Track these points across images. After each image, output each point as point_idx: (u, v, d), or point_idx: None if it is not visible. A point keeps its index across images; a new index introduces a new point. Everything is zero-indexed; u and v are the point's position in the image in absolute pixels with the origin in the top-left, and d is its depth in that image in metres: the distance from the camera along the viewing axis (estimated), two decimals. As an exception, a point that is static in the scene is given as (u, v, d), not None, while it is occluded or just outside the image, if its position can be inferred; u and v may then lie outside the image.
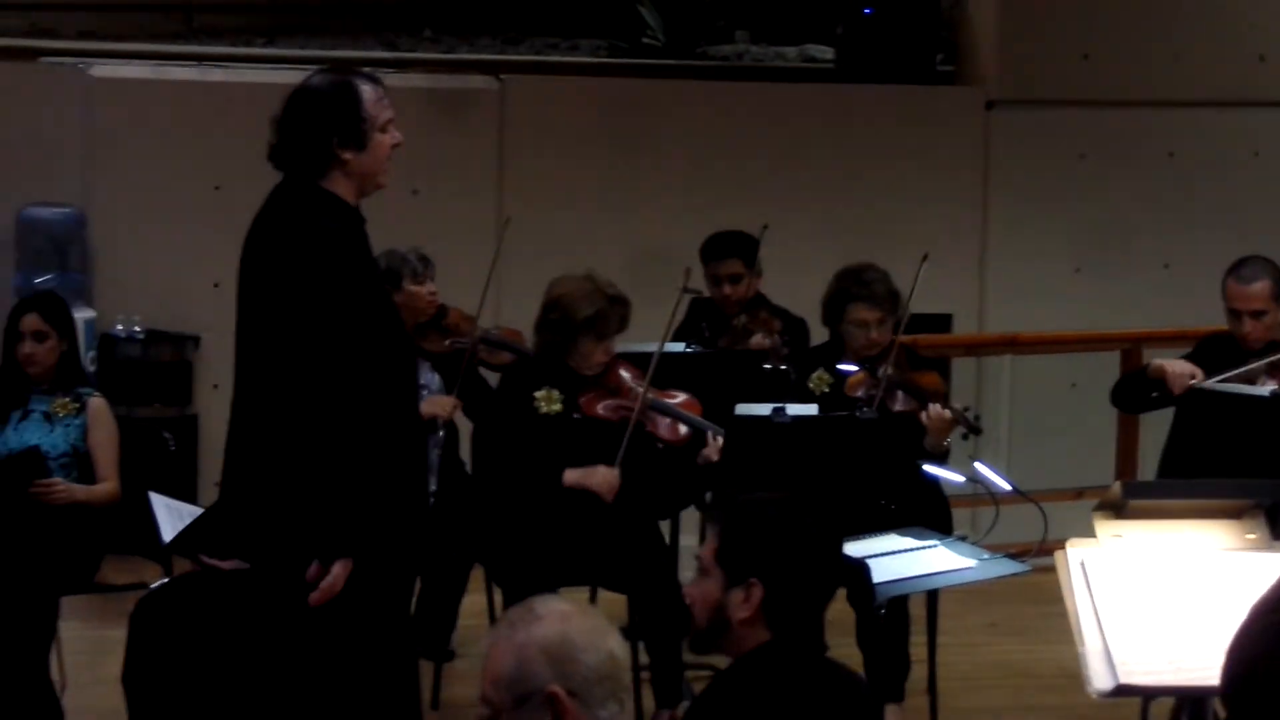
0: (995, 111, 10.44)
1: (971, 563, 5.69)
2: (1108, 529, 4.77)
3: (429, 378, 7.37)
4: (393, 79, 10.31)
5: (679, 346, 7.46)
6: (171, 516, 6.46)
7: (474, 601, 7.68)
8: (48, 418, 6.92)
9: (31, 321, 6.92)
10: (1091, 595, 4.63)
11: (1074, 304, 10.24)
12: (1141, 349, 9.09)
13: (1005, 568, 5.72)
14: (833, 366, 7.26)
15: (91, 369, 7.83)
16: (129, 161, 9.67)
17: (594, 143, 10.05)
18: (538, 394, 6.70)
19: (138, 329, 9.55)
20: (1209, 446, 6.87)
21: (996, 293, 10.40)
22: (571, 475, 6.61)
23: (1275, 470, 6.38)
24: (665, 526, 7.31)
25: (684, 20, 11.77)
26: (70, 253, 9.44)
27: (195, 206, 9.67)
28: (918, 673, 6.98)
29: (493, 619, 7.86)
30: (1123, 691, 4.52)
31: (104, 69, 9.93)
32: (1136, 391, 7.17)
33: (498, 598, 7.40)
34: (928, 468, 6.82)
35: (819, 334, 7.67)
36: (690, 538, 7.81)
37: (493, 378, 7.62)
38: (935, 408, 6.96)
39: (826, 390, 7.22)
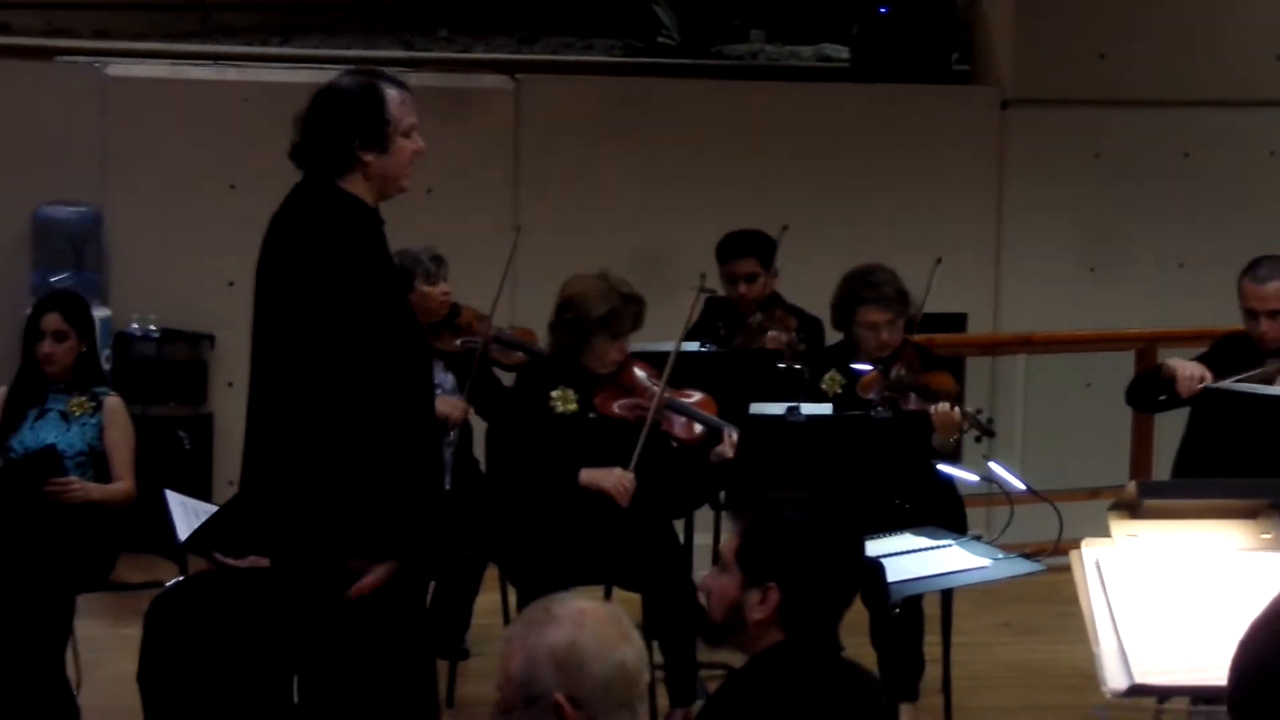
0: (1010, 111, 10.43)
1: (986, 562, 5.69)
2: (1123, 529, 4.76)
3: (442, 377, 7.37)
4: (408, 78, 10.34)
5: (694, 345, 7.45)
6: (187, 515, 6.47)
7: (488, 600, 7.68)
8: (64, 416, 6.93)
9: (52, 321, 6.93)
10: (1106, 595, 4.62)
11: (1089, 303, 10.23)
12: (1156, 349, 9.08)
13: (1020, 567, 5.71)
14: (846, 367, 7.25)
15: (107, 368, 7.84)
16: (145, 160, 9.68)
17: (609, 142, 10.05)
18: (554, 393, 6.70)
19: (153, 328, 9.56)
20: (1224, 446, 6.86)
21: (1011, 292, 10.39)
22: (587, 475, 6.61)
23: (1291, 470, 6.38)
24: (680, 525, 7.31)
25: (699, 20, 11.77)
26: (86, 252, 9.45)
27: (211, 205, 9.69)
28: (932, 672, 6.99)
29: (507, 618, 7.87)
30: (1137, 691, 4.52)
31: (120, 68, 9.94)
32: (1148, 391, 7.16)
33: (512, 596, 7.41)
34: (942, 467, 6.81)
35: (834, 333, 7.66)
36: (704, 536, 7.83)
37: (506, 378, 7.63)
38: (942, 405, 6.95)
39: (839, 391, 7.22)
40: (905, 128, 10.32)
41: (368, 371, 4.92)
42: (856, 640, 5.83)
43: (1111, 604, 4.60)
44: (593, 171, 10.05)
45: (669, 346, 6.89)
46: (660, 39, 11.67)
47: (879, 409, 6.79)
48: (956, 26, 10.82)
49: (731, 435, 6.70)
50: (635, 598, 6.78)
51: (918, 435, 6.89)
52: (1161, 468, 8.47)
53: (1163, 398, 7.00)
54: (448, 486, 6.93)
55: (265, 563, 6.26)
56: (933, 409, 6.94)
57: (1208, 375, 6.87)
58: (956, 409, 6.96)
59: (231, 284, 9.68)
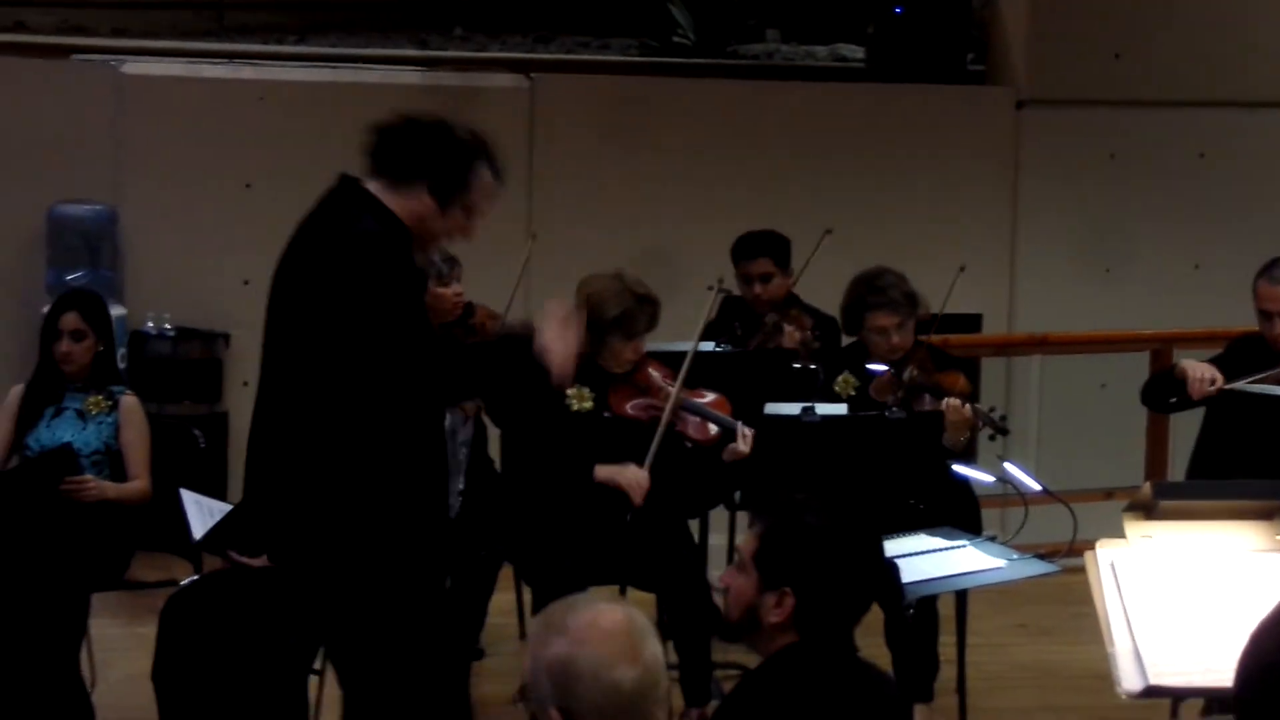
0: (1025, 111, 10.42)
1: (1001, 563, 5.68)
2: (1138, 530, 4.76)
3: None
4: (423, 76, 10.38)
5: (710, 345, 7.45)
6: (202, 514, 6.48)
7: (503, 599, 7.69)
8: (80, 415, 6.94)
9: (71, 320, 6.94)
10: (1121, 596, 4.62)
11: (1103, 304, 10.22)
12: (1171, 349, 9.07)
13: (1035, 568, 5.71)
14: (861, 368, 7.25)
15: (122, 366, 7.85)
16: (160, 159, 9.69)
17: (623, 141, 10.05)
18: (569, 391, 6.70)
19: (168, 326, 9.57)
20: (1239, 447, 6.85)
21: (1026, 293, 10.38)
22: (603, 471, 6.61)
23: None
24: (694, 525, 7.31)
25: (715, 19, 11.77)
26: (101, 250, 9.46)
27: (226, 204, 9.70)
28: (946, 673, 6.98)
29: (521, 617, 7.88)
30: (1152, 693, 4.52)
31: (135, 66, 9.95)
32: (1160, 392, 7.15)
33: (527, 596, 7.42)
34: (957, 468, 6.81)
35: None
36: (719, 537, 7.83)
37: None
38: (953, 401, 6.94)
39: (853, 394, 7.21)
40: (920, 128, 10.31)
41: (380, 376, 4.90)
42: (871, 641, 5.83)
43: (1126, 605, 4.60)
44: (607, 170, 10.05)
45: (685, 346, 6.89)
46: (675, 38, 11.67)
47: (893, 409, 6.79)
48: (972, 26, 10.81)
49: (746, 433, 6.69)
50: (649, 598, 6.78)
51: (932, 435, 6.89)
52: (1176, 469, 8.46)
53: (1174, 399, 6.99)
54: (461, 486, 6.93)
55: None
56: (944, 404, 6.95)
57: (1219, 377, 6.86)
58: (968, 406, 6.96)
59: (247, 282, 9.68)
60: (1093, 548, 4.76)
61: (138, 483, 6.91)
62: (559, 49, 11.90)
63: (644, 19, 11.94)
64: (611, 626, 3.33)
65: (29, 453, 6.90)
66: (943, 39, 10.58)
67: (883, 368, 7.17)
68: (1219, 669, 4.44)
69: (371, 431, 4.92)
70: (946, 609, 6.93)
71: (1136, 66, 10.38)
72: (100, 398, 6.95)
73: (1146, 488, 4.82)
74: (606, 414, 6.74)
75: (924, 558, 5.64)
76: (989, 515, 7.47)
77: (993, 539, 6.18)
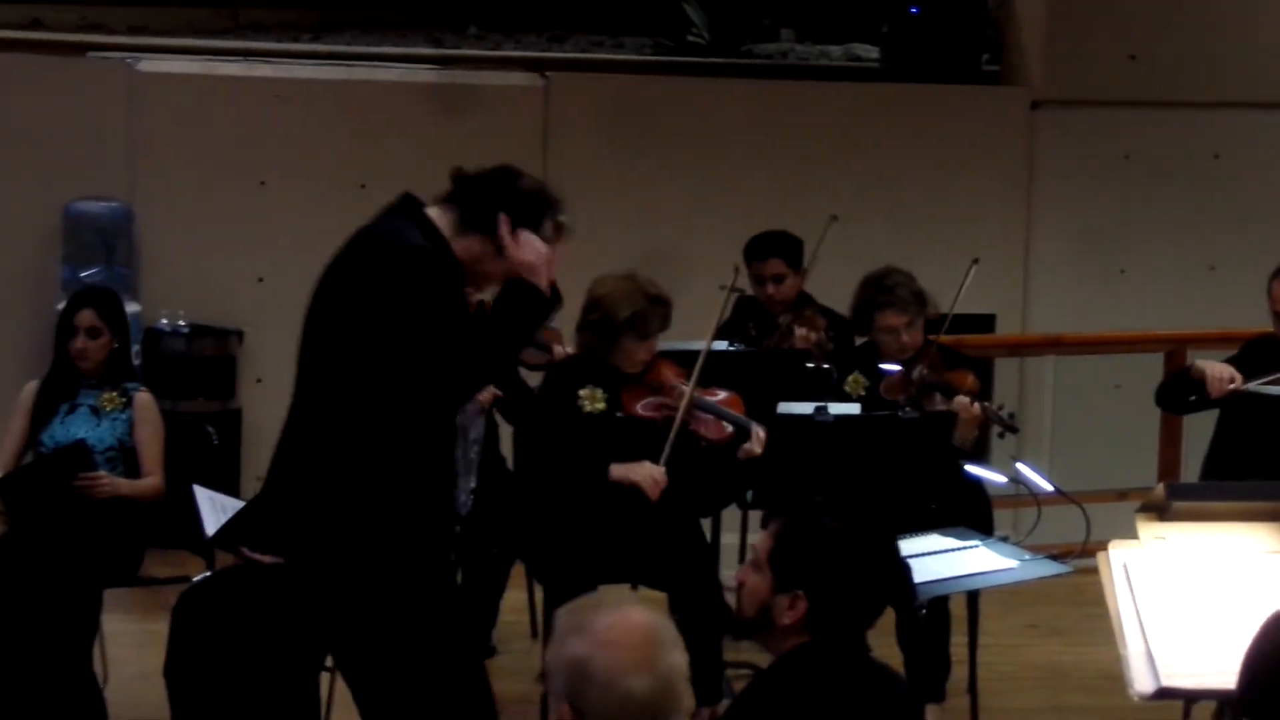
0: (1040, 112, 10.41)
1: (1013, 563, 5.68)
2: (1151, 531, 4.76)
3: None
4: (438, 75, 10.39)
5: (723, 345, 7.45)
6: (215, 510, 6.49)
7: (515, 597, 7.69)
8: (95, 412, 6.95)
9: (86, 317, 6.95)
10: (1134, 597, 4.62)
11: (1118, 305, 10.21)
12: (1186, 350, 9.06)
13: (1047, 569, 5.71)
14: (873, 367, 7.25)
15: (136, 363, 7.86)
16: (175, 156, 9.70)
17: (638, 140, 10.05)
18: (582, 392, 6.70)
19: (182, 323, 9.58)
20: (1253, 448, 6.84)
21: (1040, 293, 10.37)
22: (618, 469, 6.61)
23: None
24: (707, 524, 7.31)
25: (729, 18, 11.77)
26: (116, 247, 9.47)
27: (240, 202, 9.71)
28: (958, 673, 6.98)
29: (533, 615, 7.88)
30: (1165, 694, 4.51)
31: (151, 64, 9.96)
32: (1177, 392, 7.14)
33: (538, 594, 7.42)
34: (970, 468, 6.81)
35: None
36: (731, 536, 7.83)
37: (533, 378, 7.63)
38: (962, 399, 6.95)
39: (863, 394, 7.22)
40: (934, 128, 10.30)
41: (406, 386, 4.95)
42: (883, 640, 5.82)
43: (1139, 606, 4.60)
44: (621, 169, 10.05)
45: (697, 346, 6.89)
46: (690, 38, 11.67)
47: (906, 409, 6.79)
48: (987, 27, 10.80)
49: (759, 433, 6.69)
50: (661, 596, 6.78)
51: (945, 435, 6.89)
52: (1190, 470, 8.45)
53: (1193, 398, 6.98)
54: (473, 484, 6.94)
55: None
56: (953, 402, 6.95)
57: (1238, 376, 6.86)
58: (977, 404, 6.96)
59: (261, 280, 9.71)
60: (1105, 549, 4.76)
61: (151, 479, 6.92)
62: (574, 48, 11.90)
63: (659, 18, 11.93)
64: (633, 634, 3.32)
65: (43, 449, 6.91)
66: (958, 39, 10.57)
67: (895, 368, 7.17)
68: (1232, 671, 4.43)
69: (390, 437, 4.97)
70: (958, 609, 6.93)
71: (1151, 67, 10.36)
72: (114, 394, 6.96)
73: (1160, 489, 4.82)
74: (619, 414, 6.73)
75: (936, 558, 5.63)
76: (1001, 516, 7.47)
77: (1005, 539, 6.18)
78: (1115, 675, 4.63)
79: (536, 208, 5.21)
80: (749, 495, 7.56)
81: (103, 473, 6.78)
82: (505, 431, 7.43)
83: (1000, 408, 7.10)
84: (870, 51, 11.55)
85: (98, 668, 6.75)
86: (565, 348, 7.46)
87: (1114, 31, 10.37)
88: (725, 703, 6.58)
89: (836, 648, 4.00)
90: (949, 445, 6.88)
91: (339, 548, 5.02)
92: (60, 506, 6.68)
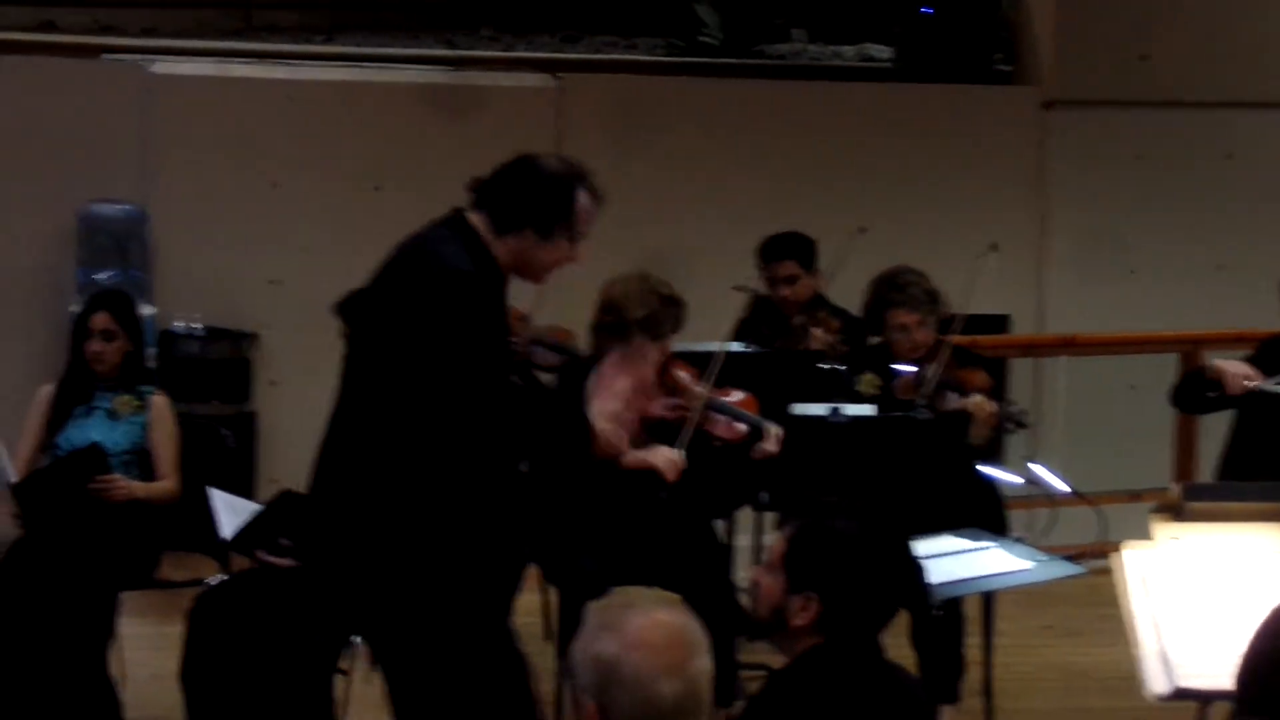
0: (1053, 112, 10.41)
1: (1028, 564, 5.68)
2: (1165, 531, 4.76)
3: None
4: (451, 77, 10.40)
5: (737, 346, 7.45)
6: (230, 513, 6.49)
7: (529, 600, 7.69)
8: (110, 415, 6.96)
9: (101, 320, 6.97)
10: (1149, 598, 4.62)
11: (1131, 305, 10.20)
12: (1199, 350, 9.06)
13: (1062, 569, 5.71)
14: (887, 368, 7.25)
15: (151, 366, 7.87)
16: (189, 158, 9.71)
17: (650, 141, 10.05)
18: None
19: (197, 326, 9.59)
20: (1269, 449, 6.83)
21: (1053, 293, 10.37)
22: (634, 455, 6.59)
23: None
24: (721, 526, 7.31)
25: (741, 19, 11.75)
26: (131, 249, 9.48)
27: (254, 203, 9.73)
28: (973, 674, 6.97)
29: (547, 618, 7.88)
30: (1180, 695, 4.52)
31: (164, 66, 9.98)
32: (1195, 392, 7.13)
33: (553, 597, 7.42)
34: (984, 469, 6.81)
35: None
36: (745, 537, 7.82)
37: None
38: (978, 398, 6.95)
39: (875, 393, 7.21)
40: (947, 128, 10.30)
41: (442, 406, 5.04)
42: (897, 642, 5.83)
43: (1154, 607, 4.60)
44: (633, 170, 10.05)
45: (711, 347, 6.89)
46: (702, 38, 11.65)
47: (920, 410, 6.79)
48: (999, 27, 10.79)
49: (774, 432, 6.69)
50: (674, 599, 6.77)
51: (959, 436, 6.89)
52: (1204, 470, 8.44)
53: (1213, 394, 6.96)
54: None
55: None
56: (968, 401, 6.95)
57: (1256, 374, 6.85)
58: (991, 402, 6.96)
59: (274, 282, 9.72)
60: (1120, 549, 4.77)
61: (166, 482, 6.93)
62: (586, 49, 11.89)
63: (670, 19, 11.92)
64: (664, 636, 3.34)
65: (59, 452, 6.92)
66: (970, 39, 10.57)
67: (908, 368, 7.17)
68: (1247, 672, 4.43)
69: (427, 448, 5.06)
70: (973, 610, 6.93)
71: (1164, 67, 10.35)
72: (130, 397, 6.97)
73: (1175, 489, 4.83)
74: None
75: (951, 559, 5.64)
76: (1016, 517, 7.46)
77: (1020, 540, 6.18)
78: (1130, 676, 4.63)
79: (565, 192, 5.25)
80: (763, 497, 7.56)
81: (118, 476, 6.79)
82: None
83: (1011, 404, 7.11)
84: (883, 52, 11.54)
85: (114, 670, 6.76)
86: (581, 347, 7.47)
87: (1126, 31, 10.36)
88: (739, 704, 6.58)
89: (850, 649, 4.01)
90: (963, 446, 6.88)
91: (379, 552, 5.06)
92: (76, 510, 6.69)
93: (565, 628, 6.43)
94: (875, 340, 7.51)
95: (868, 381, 7.26)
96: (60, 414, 6.97)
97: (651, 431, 6.69)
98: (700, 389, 6.72)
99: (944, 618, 6.54)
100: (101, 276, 9.27)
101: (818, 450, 6.45)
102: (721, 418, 6.82)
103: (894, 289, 7.24)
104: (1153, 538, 4.76)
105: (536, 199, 5.21)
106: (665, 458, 6.57)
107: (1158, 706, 4.64)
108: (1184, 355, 9.21)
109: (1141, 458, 9.30)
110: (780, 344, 7.94)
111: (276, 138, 9.77)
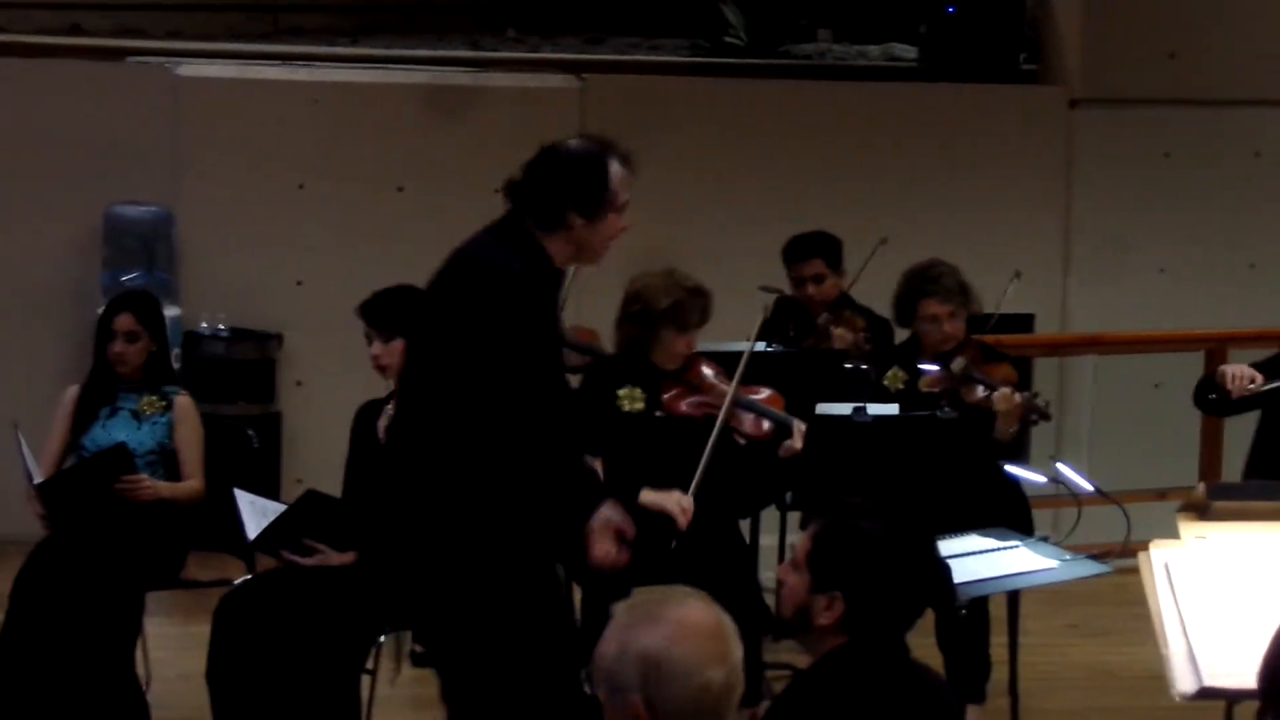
0: (1079, 110, 10.39)
1: (1053, 563, 5.67)
2: (1192, 530, 4.75)
3: None
4: (475, 78, 10.40)
5: (761, 345, 7.44)
6: (255, 514, 6.50)
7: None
8: (135, 415, 6.98)
9: (125, 321, 6.98)
10: (1175, 597, 4.61)
11: (1158, 304, 10.18)
12: (1226, 349, 9.03)
13: (1087, 569, 5.70)
14: (911, 365, 7.25)
15: (176, 366, 7.89)
16: (215, 160, 9.73)
17: (675, 142, 10.05)
18: (620, 392, 6.70)
19: (222, 327, 9.61)
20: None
21: (1079, 292, 10.35)
22: (648, 496, 6.57)
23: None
24: (746, 525, 7.30)
25: (766, 19, 11.76)
26: (156, 251, 9.50)
27: (279, 205, 9.74)
28: (999, 674, 6.96)
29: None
30: (1207, 694, 4.50)
31: (190, 69, 10.00)
32: (1203, 395, 7.13)
33: (576, 595, 7.42)
34: (1009, 468, 6.79)
35: (903, 334, 7.66)
36: (770, 537, 7.83)
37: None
38: (1004, 390, 6.95)
39: (901, 387, 7.21)
40: (973, 127, 10.29)
41: (510, 415, 5.09)
42: (923, 641, 5.82)
43: (1180, 606, 4.59)
44: (658, 171, 10.00)
45: (738, 347, 6.88)
46: (727, 39, 11.66)
47: (944, 409, 6.78)
48: (1024, 26, 10.78)
49: (800, 427, 6.67)
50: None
51: (983, 434, 6.88)
52: (1230, 469, 8.42)
53: (1213, 396, 6.97)
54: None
55: (333, 561, 6.31)
56: (995, 394, 6.95)
57: (1258, 377, 6.84)
58: (1018, 394, 6.96)
59: (300, 283, 9.73)
60: (1146, 548, 4.75)
61: (192, 482, 6.94)
62: (610, 50, 11.91)
63: (695, 19, 11.93)
64: (706, 625, 3.39)
65: (84, 453, 6.93)
66: (995, 38, 10.55)
67: (933, 367, 7.16)
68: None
69: (489, 451, 5.10)
70: (998, 610, 6.92)
71: (1191, 65, 10.33)
72: (154, 398, 6.98)
73: (1200, 488, 4.82)
74: (658, 414, 6.72)
75: (976, 558, 5.63)
76: (1041, 516, 7.45)
77: (1045, 539, 6.17)
78: (1157, 675, 4.62)
79: (597, 169, 5.25)
80: (787, 496, 7.56)
81: (144, 476, 6.80)
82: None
83: (1036, 396, 7.11)
84: (908, 51, 11.54)
85: (140, 670, 6.78)
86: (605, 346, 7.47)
87: (1153, 29, 10.34)
88: (764, 704, 6.58)
89: (875, 649, 4.00)
90: (988, 445, 6.87)
91: (444, 550, 5.14)
92: (102, 510, 6.70)
93: (588, 626, 6.42)
94: (903, 336, 7.50)
95: (894, 376, 7.26)
96: (85, 415, 6.98)
97: (677, 430, 6.67)
98: (727, 387, 6.70)
99: (969, 617, 6.53)
100: (127, 278, 9.29)
101: (842, 450, 6.44)
102: (748, 415, 6.81)
103: (926, 279, 7.23)
104: (1179, 537, 4.74)
105: (571, 185, 5.21)
106: (675, 503, 6.56)
107: (1184, 706, 4.62)
108: (1210, 354, 9.18)
109: (1167, 457, 9.28)
110: (806, 343, 7.93)
111: (302, 140, 9.79)
